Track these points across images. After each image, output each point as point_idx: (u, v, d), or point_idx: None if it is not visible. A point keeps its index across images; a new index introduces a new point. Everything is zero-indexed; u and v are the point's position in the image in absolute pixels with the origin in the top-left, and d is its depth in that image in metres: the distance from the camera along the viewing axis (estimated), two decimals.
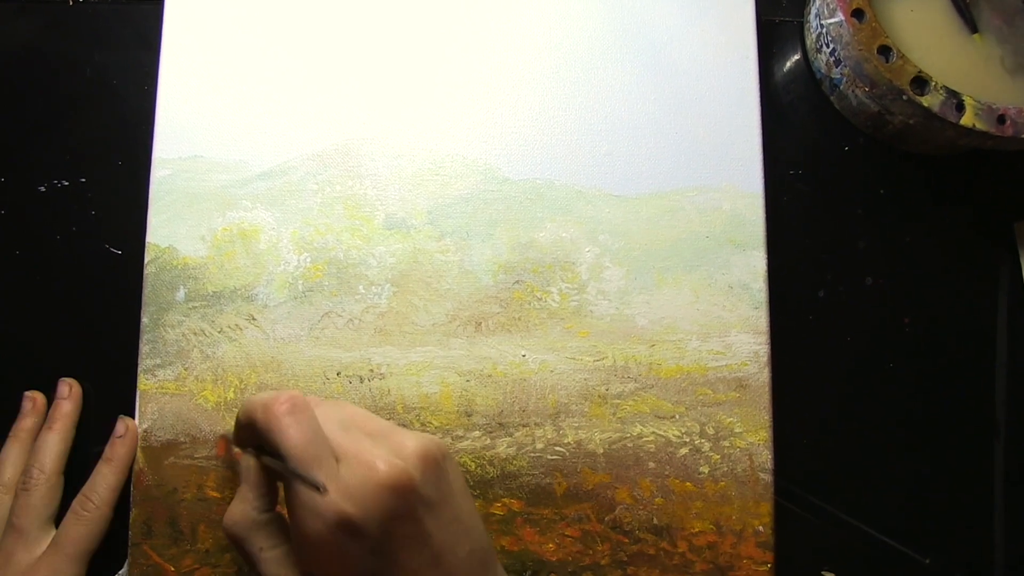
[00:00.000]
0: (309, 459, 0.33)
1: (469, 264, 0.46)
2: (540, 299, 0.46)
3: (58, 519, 0.43)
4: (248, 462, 0.37)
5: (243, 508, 0.36)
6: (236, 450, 0.39)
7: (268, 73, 0.47)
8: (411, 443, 0.34)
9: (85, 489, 0.43)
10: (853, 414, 0.48)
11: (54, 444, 0.44)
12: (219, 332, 0.45)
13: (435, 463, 0.34)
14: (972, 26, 0.46)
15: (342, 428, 0.34)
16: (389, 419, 0.45)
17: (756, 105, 0.47)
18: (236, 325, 0.45)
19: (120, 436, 0.44)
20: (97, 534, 0.42)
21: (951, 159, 0.50)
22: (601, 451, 0.45)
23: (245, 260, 0.46)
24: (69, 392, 0.46)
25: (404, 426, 0.45)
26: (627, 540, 0.44)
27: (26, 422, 0.45)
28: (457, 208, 0.47)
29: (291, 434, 0.33)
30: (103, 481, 0.43)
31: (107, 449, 0.44)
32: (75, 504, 0.43)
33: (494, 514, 0.44)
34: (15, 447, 0.45)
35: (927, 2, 0.47)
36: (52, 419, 0.45)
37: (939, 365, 0.49)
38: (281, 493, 0.37)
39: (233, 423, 0.38)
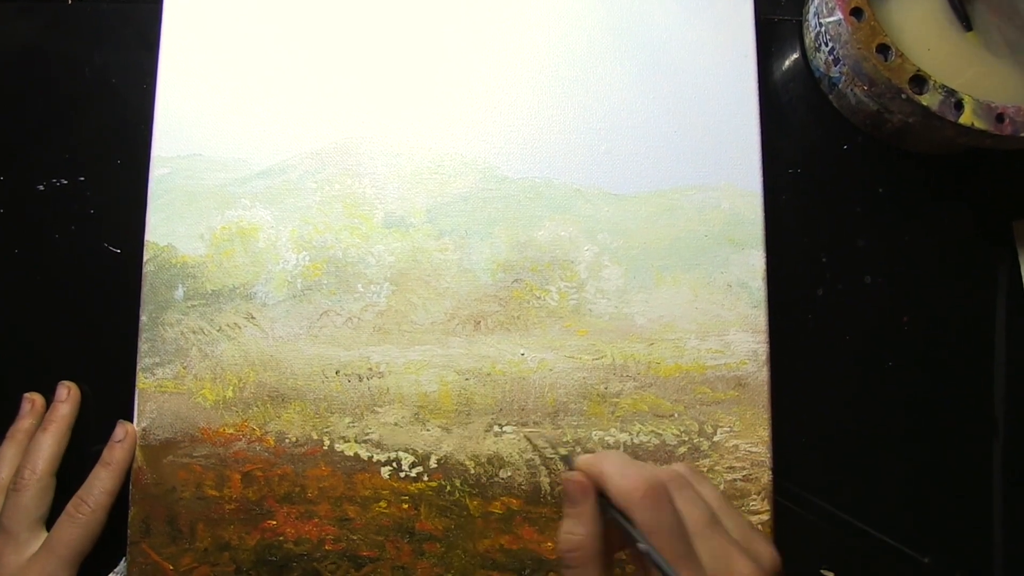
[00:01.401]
0: (669, 554, 0.31)
1: (468, 263, 0.46)
2: (539, 298, 0.46)
3: (51, 521, 0.43)
4: (580, 480, 0.34)
5: (588, 532, 0.33)
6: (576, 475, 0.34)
7: (267, 72, 0.47)
8: (768, 554, 0.32)
9: (80, 492, 0.43)
10: (852, 413, 0.48)
11: (47, 445, 0.44)
12: (218, 331, 0.45)
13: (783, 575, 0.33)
14: (966, 23, 0.46)
15: (709, 522, 0.32)
16: (389, 417, 0.45)
17: (755, 104, 0.47)
18: (235, 324, 0.45)
19: (119, 440, 0.44)
20: (90, 537, 0.42)
21: (950, 158, 0.50)
22: (600, 449, 0.45)
23: (244, 258, 0.46)
24: (67, 395, 0.46)
25: (401, 426, 0.45)
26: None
27: (24, 423, 0.45)
28: (456, 207, 0.47)
29: (651, 524, 0.31)
30: (99, 484, 0.43)
31: (105, 452, 0.44)
32: (69, 506, 0.43)
33: (493, 513, 0.44)
34: (11, 448, 0.45)
35: (925, 0, 0.47)
36: (47, 421, 0.45)
37: (938, 364, 0.49)
38: None
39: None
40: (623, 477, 0.32)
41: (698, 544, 0.31)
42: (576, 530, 0.33)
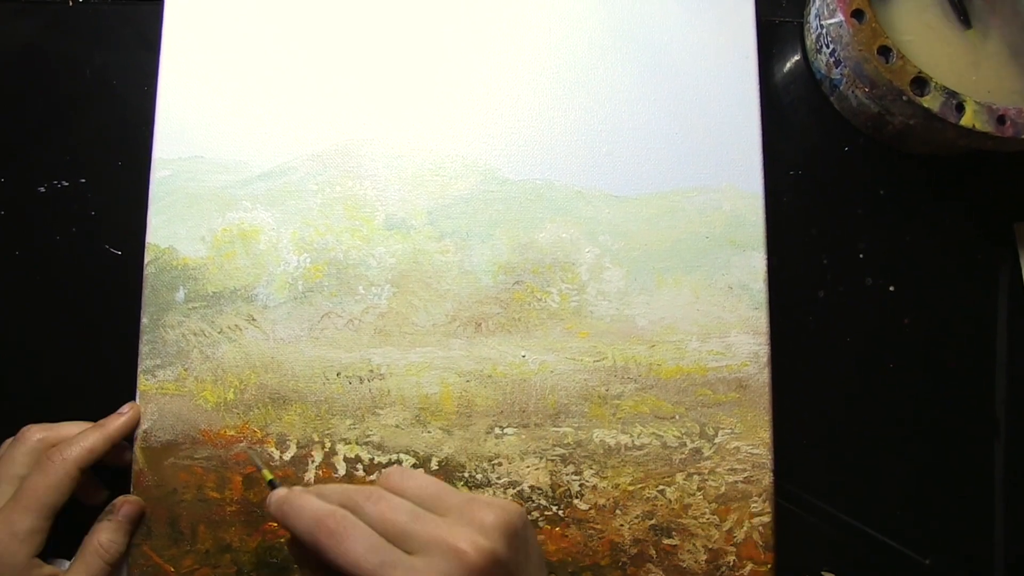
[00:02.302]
0: (376, 570, 0.31)
1: (469, 265, 0.46)
2: (540, 300, 0.46)
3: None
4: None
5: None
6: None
7: (268, 73, 0.47)
8: (491, 517, 0.33)
9: (60, 443, 0.41)
10: (853, 414, 0.48)
11: (93, 438, 0.42)
12: (219, 333, 0.45)
13: (517, 533, 0.33)
14: (965, 21, 0.46)
15: (412, 517, 0.33)
16: (390, 419, 0.45)
17: (756, 106, 0.47)
18: (236, 326, 0.45)
19: (123, 414, 0.43)
20: (57, 487, 0.40)
21: (951, 160, 0.50)
22: (601, 452, 0.45)
23: (245, 261, 0.46)
24: (128, 410, 0.44)
25: (402, 428, 0.45)
26: (627, 541, 0.44)
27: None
28: (457, 208, 0.47)
29: (349, 554, 0.32)
30: (82, 439, 0.41)
31: (104, 419, 0.43)
32: (42, 455, 0.41)
33: None
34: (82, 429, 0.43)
35: (926, 1, 0.47)
36: (105, 421, 0.43)
37: (939, 365, 0.49)
38: None
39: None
40: (298, 519, 0.34)
41: (406, 544, 0.32)
42: None
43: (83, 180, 0.49)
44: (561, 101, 0.47)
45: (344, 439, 0.45)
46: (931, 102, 0.43)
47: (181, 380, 0.45)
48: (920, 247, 0.49)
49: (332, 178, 0.46)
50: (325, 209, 0.46)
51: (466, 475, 0.44)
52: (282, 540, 0.44)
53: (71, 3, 0.50)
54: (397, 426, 0.45)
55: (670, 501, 0.44)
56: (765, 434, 0.45)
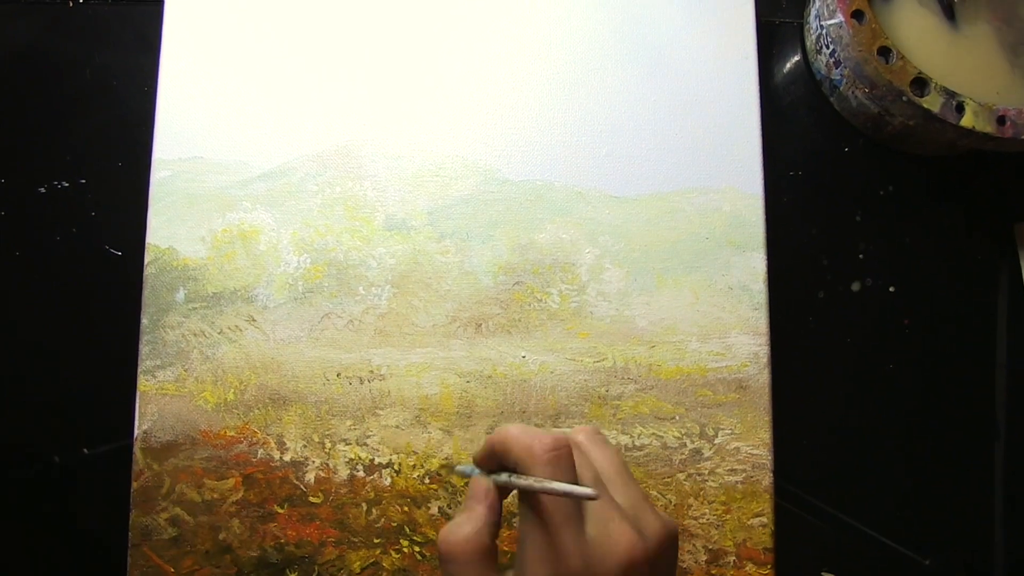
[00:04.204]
0: (561, 514, 0.31)
1: (469, 265, 0.46)
2: (540, 300, 0.46)
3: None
4: (485, 483, 0.35)
5: (475, 529, 0.33)
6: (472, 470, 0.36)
7: (268, 74, 0.47)
8: (657, 526, 0.33)
9: None
10: (853, 415, 0.48)
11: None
12: (219, 333, 0.45)
13: (670, 550, 0.33)
14: (951, 16, 0.46)
15: (596, 485, 0.33)
16: (390, 420, 0.45)
17: (756, 106, 0.47)
18: (236, 326, 0.45)
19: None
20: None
21: (951, 160, 0.50)
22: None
23: (245, 261, 0.46)
24: None
25: (402, 429, 0.45)
26: None
27: None
28: (457, 209, 0.47)
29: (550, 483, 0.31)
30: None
31: None
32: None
33: None
34: None
35: (925, 2, 0.47)
36: None
37: (939, 366, 0.49)
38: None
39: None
40: (530, 439, 0.33)
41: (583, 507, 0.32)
42: (467, 525, 0.33)
43: (83, 180, 0.49)
44: (561, 102, 0.47)
45: (344, 440, 0.45)
46: (931, 103, 0.43)
47: (181, 381, 0.45)
48: (920, 247, 0.49)
49: (332, 179, 0.47)
50: (325, 210, 0.46)
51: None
52: (281, 540, 0.44)
53: (71, 4, 0.50)
54: (397, 427, 0.45)
55: (670, 502, 0.44)
56: (765, 435, 0.45)
